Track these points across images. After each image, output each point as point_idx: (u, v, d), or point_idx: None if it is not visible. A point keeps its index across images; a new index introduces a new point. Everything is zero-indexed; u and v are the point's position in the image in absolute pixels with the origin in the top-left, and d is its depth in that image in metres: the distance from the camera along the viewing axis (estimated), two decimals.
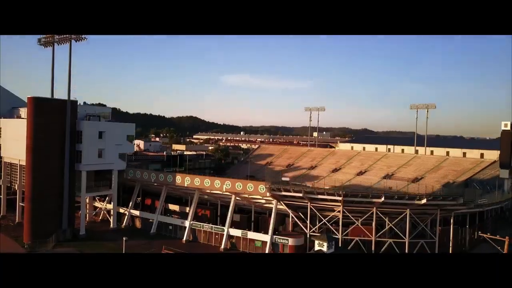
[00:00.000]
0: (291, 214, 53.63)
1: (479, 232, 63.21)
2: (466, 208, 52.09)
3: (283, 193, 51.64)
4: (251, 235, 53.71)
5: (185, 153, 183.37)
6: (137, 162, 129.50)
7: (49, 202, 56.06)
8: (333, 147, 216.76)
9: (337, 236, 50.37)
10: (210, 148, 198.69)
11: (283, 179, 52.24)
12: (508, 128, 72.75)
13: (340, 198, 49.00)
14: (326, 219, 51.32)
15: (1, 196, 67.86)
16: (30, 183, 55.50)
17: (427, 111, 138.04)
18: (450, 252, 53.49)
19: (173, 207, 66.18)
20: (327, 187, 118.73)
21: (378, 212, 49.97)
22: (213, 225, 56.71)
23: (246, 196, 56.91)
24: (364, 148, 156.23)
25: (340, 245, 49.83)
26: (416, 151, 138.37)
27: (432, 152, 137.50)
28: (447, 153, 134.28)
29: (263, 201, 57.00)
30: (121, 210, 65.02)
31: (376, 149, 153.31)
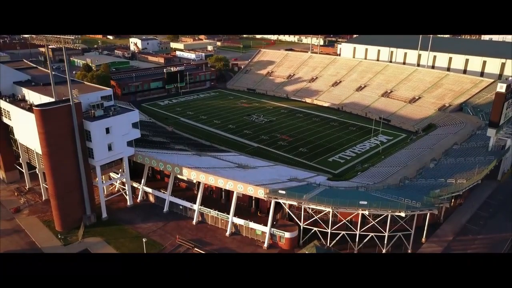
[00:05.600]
0: (287, 209, 60.75)
1: (458, 201, 71.44)
2: None
3: (280, 200, 58.09)
4: (253, 225, 61.80)
5: (184, 53, 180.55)
6: (138, 81, 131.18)
7: (71, 196, 62.98)
8: (335, 42, 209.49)
9: (326, 230, 58.62)
10: (209, 48, 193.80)
11: (280, 191, 57.67)
12: (503, 90, 73.60)
13: (330, 210, 55.65)
14: (317, 216, 58.68)
15: (24, 171, 74.23)
16: (52, 182, 61.36)
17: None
18: (426, 227, 62.15)
19: (182, 177, 72.75)
20: (327, 105, 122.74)
21: (364, 213, 57.06)
22: (219, 212, 64.28)
23: None
24: (366, 52, 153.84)
25: (328, 238, 58.47)
26: (419, 57, 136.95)
27: (434, 58, 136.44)
28: (450, 60, 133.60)
29: None
30: (135, 185, 72.02)
31: (379, 53, 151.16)
